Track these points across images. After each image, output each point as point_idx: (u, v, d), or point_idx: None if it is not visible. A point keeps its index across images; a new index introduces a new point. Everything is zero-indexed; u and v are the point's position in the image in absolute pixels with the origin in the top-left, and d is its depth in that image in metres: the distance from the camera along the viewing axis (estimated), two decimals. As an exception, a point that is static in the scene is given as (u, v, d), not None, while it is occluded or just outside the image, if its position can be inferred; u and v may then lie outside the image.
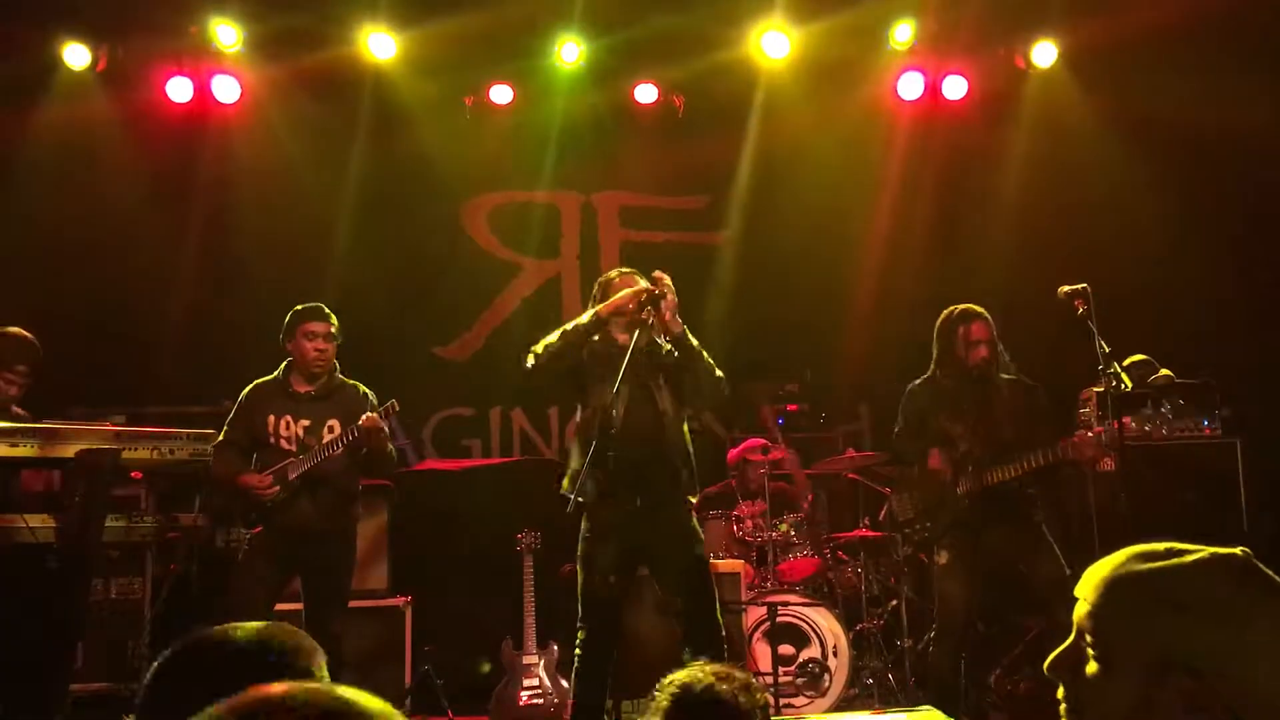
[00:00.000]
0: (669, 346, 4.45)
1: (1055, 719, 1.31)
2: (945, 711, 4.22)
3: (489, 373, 7.67)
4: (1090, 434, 4.51)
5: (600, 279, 4.66)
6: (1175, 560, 1.27)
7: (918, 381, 4.92)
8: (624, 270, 4.61)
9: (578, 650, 4.30)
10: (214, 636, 1.47)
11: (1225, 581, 1.24)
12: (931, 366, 4.89)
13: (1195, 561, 1.26)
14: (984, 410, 4.73)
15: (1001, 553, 4.64)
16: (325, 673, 1.51)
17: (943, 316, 4.87)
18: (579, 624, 4.32)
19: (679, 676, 1.58)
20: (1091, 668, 1.29)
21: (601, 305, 4.32)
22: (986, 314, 4.81)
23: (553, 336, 4.39)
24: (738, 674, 1.58)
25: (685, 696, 1.54)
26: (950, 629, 4.74)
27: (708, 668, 1.58)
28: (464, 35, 7.00)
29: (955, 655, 4.74)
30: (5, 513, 4.27)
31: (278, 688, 0.91)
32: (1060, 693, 1.33)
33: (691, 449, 4.46)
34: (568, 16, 7.04)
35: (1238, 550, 1.27)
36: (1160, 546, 1.30)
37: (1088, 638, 1.30)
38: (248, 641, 1.46)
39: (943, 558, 4.76)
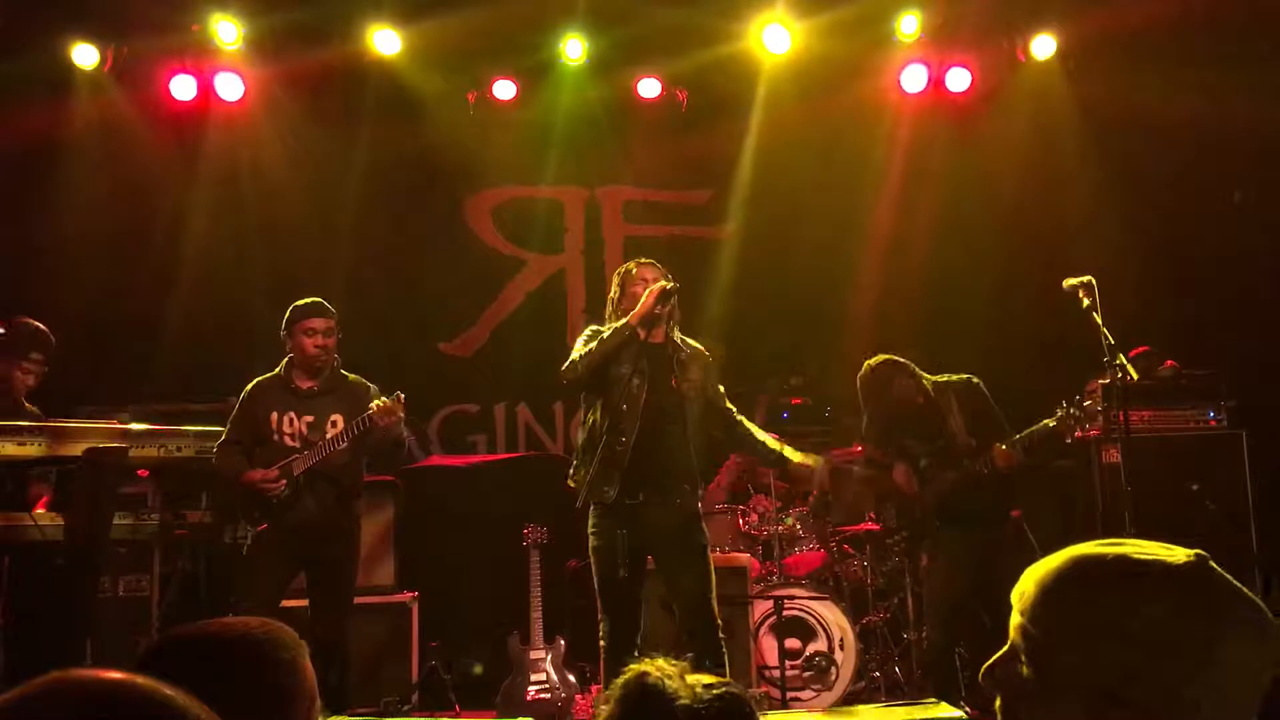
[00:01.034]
0: (683, 339, 4.57)
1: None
2: (947, 702, 4.27)
3: (494, 368, 7.68)
4: (1004, 446, 4.71)
5: (619, 270, 4.72)
6: (1123, 583, 1.13)
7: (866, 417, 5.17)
8: (642, 261, 4.67)
9: (602, 641, 4.39)
10: (194, 631, 1.49)
11: (1181, 606, 1.11)
12: (866, 415, 5.13)
13: (1146, 584, 1.12)
14: (938, 424, 4.91)
15: (981, 551, 4.76)
16: (309, 665, 1.52)
17: (862, 375, 5.09)
18: (600, 615, 4.41)
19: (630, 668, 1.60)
20: (1027, 685, 1.17)
21: (632, 315, 4.39)
22: (902, 362, 5.03)
23: (590, 347, 4.44)
24: (672, 669, 1.58)
25: (623, 685, 1.57)
26: (936, 623, 4.93)
27: (659, 662, 1.59)
28: (467, 31, 7.00)
29: (948, 648, 4.85)
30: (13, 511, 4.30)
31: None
32: (997, 704, 1.22)
33: (701, 443, 4.56)
34: (571, 12, 7.04)
35: (1193, 555, 1.14)
36: (1109, 553, 1.16)
37: (1022, 655, 1.18)
38: (228, 635, 1.48)
39: (924, 560, 5.02)
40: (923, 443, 4.95)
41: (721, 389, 4.73)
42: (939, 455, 4.89)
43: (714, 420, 4.69)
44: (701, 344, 4.74)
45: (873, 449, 5.28)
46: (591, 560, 4.43)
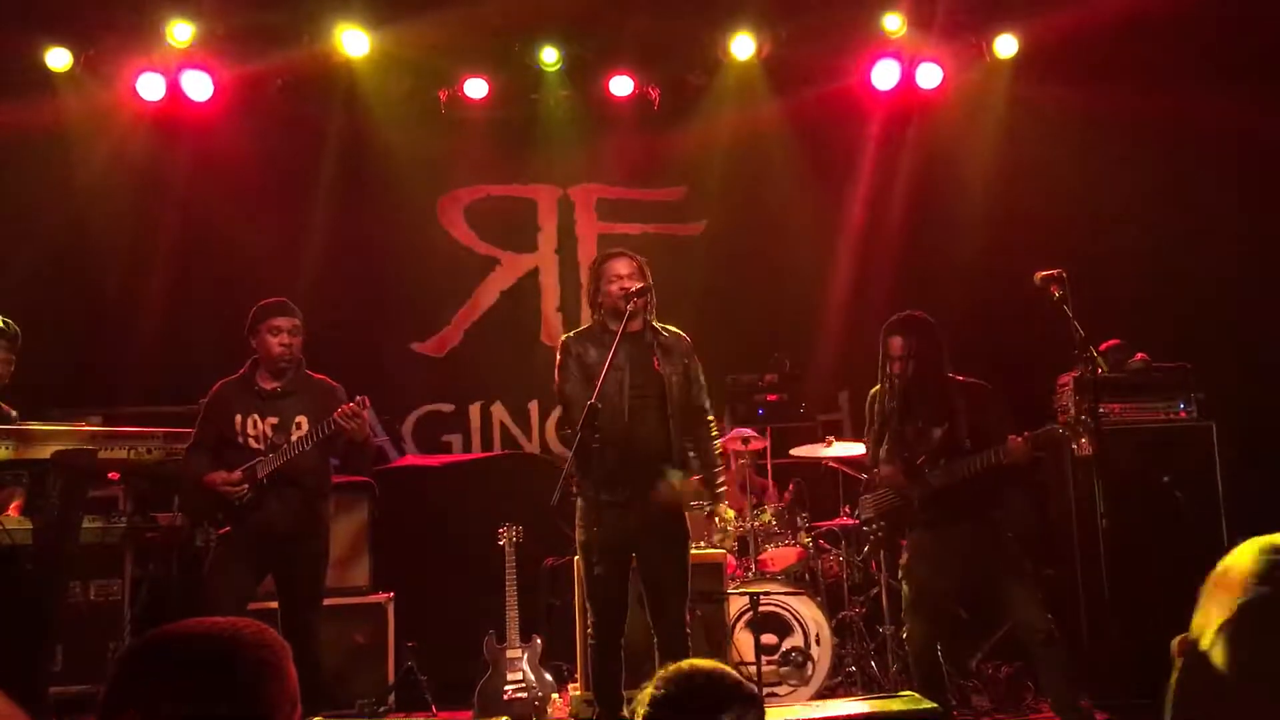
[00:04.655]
0: (662, 327, 4.57)
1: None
2: (930, 697, 4.26)
3: (468, 367, 7.65)
4: (1021, 439, 4.56)
5: (593, 262, 4.73)
6: None
7: (877, 386, 4.96)
8: (613, 252, 4.66)
9: (590, 631, 4.43)
10: (180, 629, 1.47)
11: None
12: (879, 373, 4.94)
13: None
14: (937, 414, 4.76)
15: (963, 549, 4.71)
16: (293, 668, 1.51)
17: (909, 322, 4.82)
18: (588, 604, 4.43)
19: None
20: None
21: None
22: (916, 322, 4.80)
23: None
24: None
25: (662, 685, 1.57)
26: (920, 618, 4.81)
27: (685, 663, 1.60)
28: (437, 30, 6.96)
29: (929, 644, 4.80)
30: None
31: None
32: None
33: (687, 437, 4.56)
34: (544, 15, 7.01)
35: None
36: None
37: None
38: (215, 633, 1.46)
39: (903, 558, 4.89)
40: (916, 430, 4.79)
41: (703, 381, 4.66)
42: (933, 446, 4.75)
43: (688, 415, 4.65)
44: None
45: (868, 447, 5.04)
46: (579, 554, 4.44)
